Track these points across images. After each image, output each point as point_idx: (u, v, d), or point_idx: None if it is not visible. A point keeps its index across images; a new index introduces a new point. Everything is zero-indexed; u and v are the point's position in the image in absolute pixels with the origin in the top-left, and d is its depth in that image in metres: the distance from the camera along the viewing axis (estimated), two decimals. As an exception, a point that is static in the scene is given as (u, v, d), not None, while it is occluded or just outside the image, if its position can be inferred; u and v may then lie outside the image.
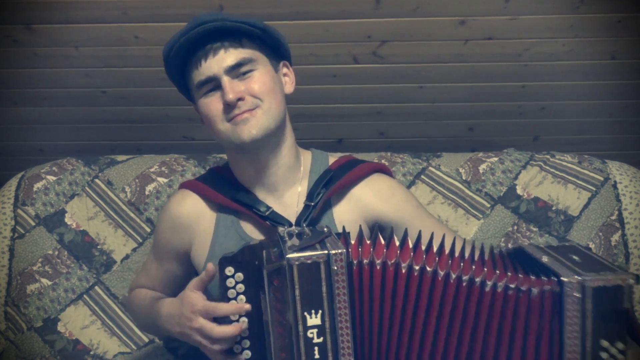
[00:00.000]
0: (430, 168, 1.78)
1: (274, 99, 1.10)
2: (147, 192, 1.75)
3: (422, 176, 1.76)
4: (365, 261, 0.94)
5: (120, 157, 1.83)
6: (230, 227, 1.16)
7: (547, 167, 1.75)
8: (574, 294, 0.87)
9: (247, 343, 0.98)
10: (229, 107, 1.07)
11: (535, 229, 1.71)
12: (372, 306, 0.94)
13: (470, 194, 1.74)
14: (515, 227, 1.71)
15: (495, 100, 1.91)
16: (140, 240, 1.74)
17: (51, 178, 1.76)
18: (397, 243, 0.97)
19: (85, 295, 1.69)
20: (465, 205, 1.74)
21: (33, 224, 1.72)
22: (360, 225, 1.05)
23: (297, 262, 0.90)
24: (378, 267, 0.94)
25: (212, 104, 1.09)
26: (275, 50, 1.16)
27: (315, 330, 0.91)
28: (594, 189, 1.70)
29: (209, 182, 1.21)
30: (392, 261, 0.94)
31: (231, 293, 0.97)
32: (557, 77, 1.83)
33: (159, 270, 1.25)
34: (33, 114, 1.96)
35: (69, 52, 1.76)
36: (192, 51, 1.09)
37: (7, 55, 1.78)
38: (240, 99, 1.06)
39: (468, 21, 1.68)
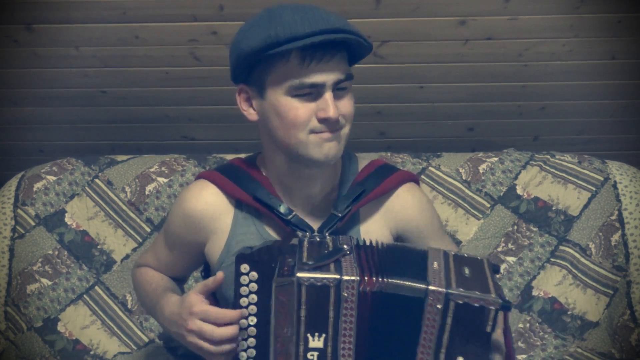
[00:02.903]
0: (430, 168, 1.78)
1: (351, 124, 1.07)
2: (147, 192, 1.75)
3: (422, 176, 1.76)
4: (376, 290, 0.90)
5: (120, 157, 1.83)
6: (250, 224, 1.13)
7: (547, 167, 1.75)
8: (437, 305, 0.85)
9: (253, 342, 0.96)
10: (325, 121, 1.01)
11: (535, 229, 1.71)
12: (378, 336, 0.92)
13: (470, 194, 1.74)
14: (515, 227, 1.71)
15: (495, 100, 1.91)
16: (140, 240, 1.74)
17: (51, 178, 1.76)
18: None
19: (85, 295, 1.69)
20: (465, 205, 1.74)
21: (33, 224, 1.72)
22: (380, 242, 1.02)
23: (306, 283, 0.87)
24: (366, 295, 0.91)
25: (301, 110, 1.01)
26: (352, 63, 1.10)
27: (316, 354, 0.89)
28: (594, 189, 1.70)
29: (230, 175, 1.16)
30: (370, 288, 0.91)
31: (244, 290, 0.95)
32: (557, 77, 1.83)
33: (169, 256, 1.21)
34: (33, 114, 1.96)
35: (69, 52, 1.76)
36: (301, 47, 0.98)
37: (7, 55, 1.77)
38: (338, 118, 1.02)
39: (468, 21, 1.68)
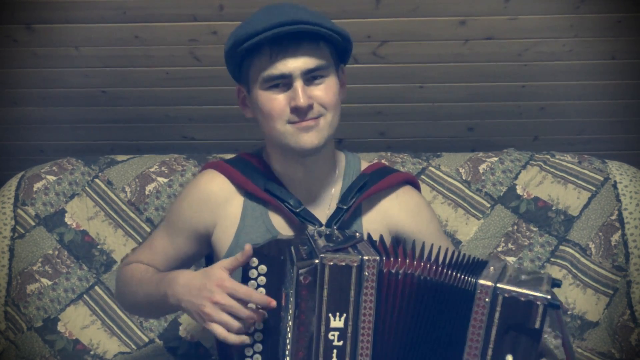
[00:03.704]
0: (430, 168, 1.78)
1: (336, 111, 1.09)
2: (147, 192, 1.75)
3: (422, 176, 1.76)
4: (393, 271, 0.93)
5: (120, 157, 1.83)
6: (258, 217, 1.14)
7: (547, 167, 1.75)
8: (485, 298, 0.87)
9: (260, 336, 0.97)
10: (296, 110, 1.05)
11: (535, 229, 1.71)
12: (393, 315, 0.93)
13: (470, 194, 1.74)
14: (515, 227, 1.71)
15: (495, 100, 1.91)
16: (140, 240, 1.73)
17: (51, 178, 1.76)
18: (425, 255, 0.97)
19: (85, 295, 1.69)
20: (465, 205, 1.74)
21: (33, 223, 1.72)
22: (381, 236, 1.04)
23: (330, 263, 0.89)
24: (401, 278, 0.93)
25: (276, 102, 1.05)
26: (341, 55, 1.14)
27: (337, 333, 0.91)
28: (594, 189, 1.70)
29: (239, 167, 1.18)
30: (417, 273, 0.93)
31: (252, 284, 0.96)
32: (557, 77, 1.83)
33: (168, 246, 1.20)
34: (33, 114, 1.96)
35: (69, 52, 1.76)
36: (268, 42, 1.04)
37: (7, 55, 1.78)
38: (309, 106, 1.05)
39: (468, 21, 1.68)
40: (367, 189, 1.15)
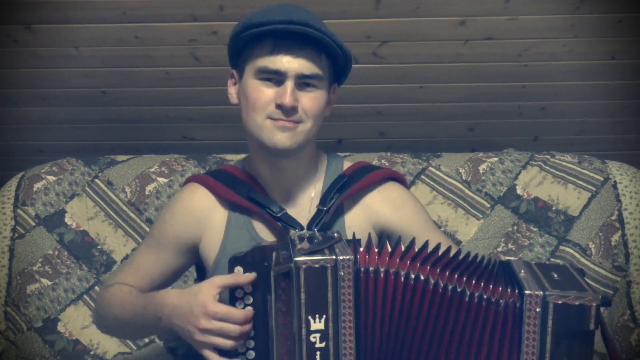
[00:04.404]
0: (430, 168, 1.78)
1: (316, 123, 1.11)
2: (147, 192, 1.75)
3: (422, 176, 1.76)
4: (371, 269, 0.94)
5: (120, 157, 1.83)
6: (242, 226, 1.15)
7: (547, 167, 1.75)
8: (536, 308, 0.86)
9: (251, 343, 0.98)
10: (280, 107, 1.06)
11: (535, 229, 1.71)
12: (375, 313, 0.94)
13: (470, 194, 1.74)
14: (515, 227, 1.71)
15: (495, 100, 1.91)
16: (140, 241, 1.73)
17: (51, 178, 1.76)
18: (403, 249, 0.97)
19: (85, 295, 1.69)
20: (465, 205, 1.74)
21: (33, 224, 1.72)
22: (369, 233, 1.05)
23: (304, 266, 0.90)
24: (382, 275, 0.94)
25: (263, 94, 1.07)
26: (338, 75, 1.17)
27: (318, 335, 0.91)
28: (594, 189, 1.70)
29: (220, 179, 1.19)
30: (396, 270, 0.94)
31: (239, 293, 0.97)
32: (557, 77, 1.83)
33: (153, 263, 1.19)
34: (33, 114, 1.96)
35: (69, 52, 1.76)
36: (274, 35, 1.06)
37: (7, 55, 1.78)
38: (293, 108, 1.06)
39: (468, 21, 1.68)
40: (346, 189, 1.16)
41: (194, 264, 1.25)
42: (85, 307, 1.68)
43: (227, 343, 0.95)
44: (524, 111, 1.93)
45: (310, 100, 1.08)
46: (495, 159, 1.78)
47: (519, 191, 1.74)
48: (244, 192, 1.15)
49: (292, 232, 1.05)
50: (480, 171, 1.76)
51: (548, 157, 1.78)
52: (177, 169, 1.78)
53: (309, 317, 0.90)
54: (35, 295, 1.65)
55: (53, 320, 1.65)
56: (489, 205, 1.74)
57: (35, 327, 1.63)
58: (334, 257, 0.90)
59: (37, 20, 1.69)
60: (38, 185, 1.75)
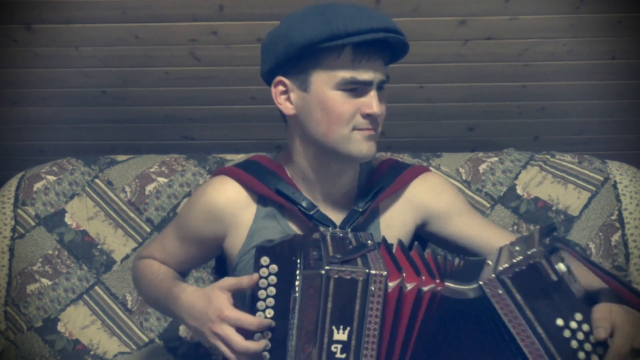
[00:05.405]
0: (430, 168, 1.77)
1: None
2: (147, 192, 1.75)
3: (422, 176, 1.76)
4: (402, 286, 0.92)
5: (120, 157, 1.83)
6: (272, 218, 1.13)
7: (547, 167, 1.75)
8: (498, 291, 0.85)
9: (269, 334, 0.97)
10: (368, 117, 1.04)
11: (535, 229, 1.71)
12: (399, 330, 0.93)
13: (470, 194, 1.74)
14: (515, 227, 1.71)
15: (495, 100, 1.91)
16: (140, 240, 1.74)
17: (51, 178, 1.76)
18: (433, 265, 0.96)
19: (85, 295, 1.69)
20: (465, 205, 1.74)
21: (33, 224, 1.72)
22: (400, 240, 1.03)
23: (335, 276, 0.89)
24: (410, 292, 0.92)
25: (346, 105, 1.03)
26: None
27: (339, 346, 0.90)
28: (594, 189, 1.70)
29: (250, 171, 1.16)
30: (425, 288, 0.92)
31: (262, 283, 0.95)
32: (557, 77, 1.83)
33: (179, 250, 1.20)
34: (33, 114, 1.97)
35: (69, 52, 1.76)
36: (353, 43, 1.00)
37: (7, 55, 1.78)
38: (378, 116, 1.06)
39: (468, 21, 1.68)
40: (382, 191, 1.15)
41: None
42: (85, 307, 1.68)
43: (231, 355, 0.95)
44: (524, 111, 1.94)
45: (384, 106, 1.07)
46: (495, 158, 1.78)
47: (519, 191, 1.74)
48: (274, 185, 1.12)
49: (322, 229, 1.03)
50: (480, 171, 1.76)
51: (548, 157, 1.78)
52: (177, 169, 1.78)
53: (333, 327, 0.89)
54: (35, 295, 1.65)
55: (53, 320, 1.65)
56: (489, 205, 1.74)
57: (35, 327, 1.63)
58: (366, 270, 0.89)
59: (37, 20, 1.69)
60: (38, 185, 1.75)
